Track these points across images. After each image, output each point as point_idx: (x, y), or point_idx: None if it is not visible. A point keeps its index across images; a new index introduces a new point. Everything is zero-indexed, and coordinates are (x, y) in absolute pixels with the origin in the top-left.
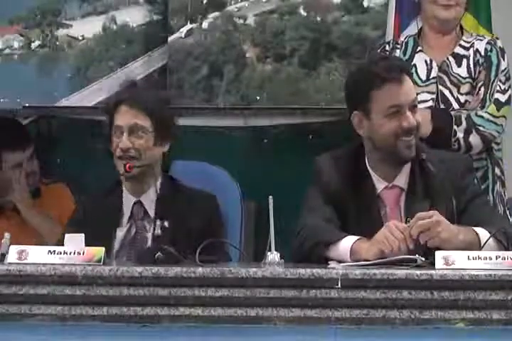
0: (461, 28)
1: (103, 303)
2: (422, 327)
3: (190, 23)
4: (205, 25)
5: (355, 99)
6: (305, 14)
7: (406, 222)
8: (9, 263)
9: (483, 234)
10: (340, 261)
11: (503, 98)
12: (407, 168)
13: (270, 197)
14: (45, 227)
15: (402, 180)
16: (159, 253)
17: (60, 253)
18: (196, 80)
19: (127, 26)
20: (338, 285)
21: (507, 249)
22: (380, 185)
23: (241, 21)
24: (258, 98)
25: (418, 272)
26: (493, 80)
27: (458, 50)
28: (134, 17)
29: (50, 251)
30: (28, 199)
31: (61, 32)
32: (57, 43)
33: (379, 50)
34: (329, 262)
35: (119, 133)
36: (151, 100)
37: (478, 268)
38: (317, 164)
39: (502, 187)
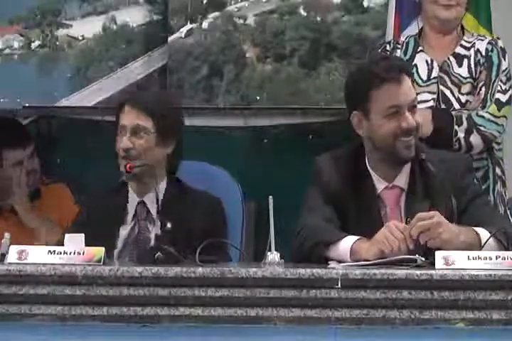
0: (462, 28)
1: (103, 303)
2: (422, 327)
3: (190, 23)
4: (205, 25)
5: (354, 99)
6: (305, 14)
7: (406, 223)
8: (9, 263)
9: (483, 234)
10: (340, 261)
11: (503, 98)
12: (407, 168)
13: (270, 197)
14: (44, 230)
15: (402, 180)
16: (159, 253)
17: (60, 253)
18: (196, 80)
19: (127, 26)
20: (338, 285)
21: (507, 249)
22: (380, 185)
23: (241, 21)
24: (258, 98)
25: (418, 272)
26: (494, 80)
27: (459, 50)
28: (134, 17)
29: (50, 251)
30: (27, 203)
31: (61, 32)
32: (57, 43)
33: (380, 50)
34: (329, 262)
35: (124, 132)
36: (153, 101)
37: (478, 268)
38: (317, 164)
39: (503, 187)
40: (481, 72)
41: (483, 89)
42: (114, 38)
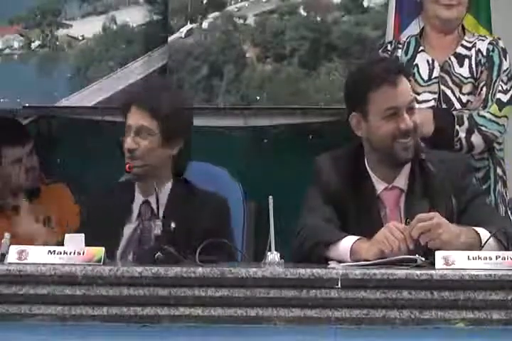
0: (463, 28)
1: (103, 303)
2: (422, 327)
3: (190, 23)
4: (205, 25)
5: (353, 101)
6: (305, 14)
7: (406, 223)
8: (9, 263)
9: (484, 234)
10: (340, 261)
11: (505, 98)
12: (406, 169)
13: (270, 197)
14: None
15: (401, 181)
16: (159, 253)
17: (60, 253)
18: (196, 80)
19: (127, 26)
20: (338, 285)
21: (507, 249)
22: (379, 185)
23: (241, 21)
24: (258, 98)
25: (418, 272)
26: (495, 80)
27: (460, 50)
28: (134, 17)
29: (50, 251)
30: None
31: (61, 32)
32: (57, 43)
33: (381, 50)
34: (329, 262)
35: (129, 133)
36: (159, 102)
37: (478, 268)
38: (317, 164)
39: (504, 187)
40: (482, 72)
41: (484, 89)
42: (114, 38)
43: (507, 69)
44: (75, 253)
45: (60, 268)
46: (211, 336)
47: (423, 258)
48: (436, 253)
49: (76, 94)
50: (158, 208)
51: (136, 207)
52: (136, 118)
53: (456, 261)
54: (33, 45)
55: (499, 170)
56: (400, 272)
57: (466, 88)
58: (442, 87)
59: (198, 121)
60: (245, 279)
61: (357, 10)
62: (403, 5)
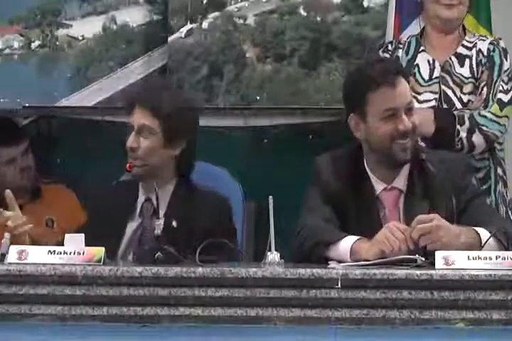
0: (464, 28)
1: (103, 303)
2: (422, 327)
3: (190, 23)
4: (205, 25)
5: (351, 102)
6: (305, 14)
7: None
8: (9, 263)
9: (484, 234)
10: (340, 261)
11: (505, 98)
12: (405, 169)
13: (270, 197)
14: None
15: (400, 181)
16: (159, 253)
17: (60, 253)
18: (196, 80)
19: (127, 26)
20: (338, 285)
21: (507, 249)
22: (379, 186)
23: (241, 21)
24: (258, 98)
25: (418, 272)
26: (496, 80)
27: (460, 50)
28: (134, 17)
29: (50, 251)
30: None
31: (61, 32)
32: (57, 43)
33: (381, 50)
34: (329, 262)
35: (131, 132)
36: (161, 101)
37: (478, 268)
38: (317, 164)
39: (504, 187)
40: (482, 72)
41: (485, 89)
42: (114, 38)
43: (508, 69)
44: (75, 253)
45: (60, 268)
46: (211, 336)
47: (423, 258)
48: (436, 253)
49: (76, 94)
50: (158, 207)
51: (138, 205)
52: (138, 117)
53: (456, 261)
54: (33, 45)
55: (500, 170)
56: (400, 272)
57: (467, 88)
58: (443, 86)
59: None
60: (245, 279)
61: (357, 10)
62: (403, 5)
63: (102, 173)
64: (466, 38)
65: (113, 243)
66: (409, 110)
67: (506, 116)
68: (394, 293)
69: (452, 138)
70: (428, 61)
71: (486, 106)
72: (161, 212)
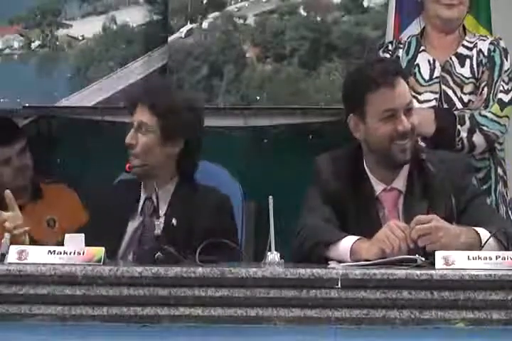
0: (464, 28)
1: (103, 303)
2: (422, 327)
3: (190, 23)
4: (205, 25)
5: (351, 102)
6: (305, 14)
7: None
8: (9, 263)
9: (484, 234)
10: (340, 261)
11: (506, 98)
12: (405, 170)
13: (270, 197)
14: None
15: (400, 182)
16: (159, 253)
17: (60, 253)
18: (196, 80)
19: (127, 26)
20: (338, 285)
21: (507, 249)
22: (378, 187)
23: (241, 21)
24: (258, 98)
25: (418, 272)
26: (497, 80)
27: (461, 50)
28: (134, 17)
29: (50, 251)
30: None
31: (61, 32)
32: (57, 43)
33: (382, 50)
34: (329, 262)
35: (131, 128)
36: (161, 99)
37: (478, 268)
38: (317, 164)
39: (504, 187)
40: (483, 72)
41: (486, 89)
42: (114, 38)
43: (508, 69)
44: (75, 253)
45: (60, 268)
46: (211, 336)
47: (423, 258)
48: (436, 253)
49: (76, 94)
50: (158, 207)
51: (140, 204)
52: (138, 114)
53: (456, 261)
54: (33, 45)
55: (500, 171)
56: (400, 272)
57: (468, 88)
58: (443, 86)
59: None
60: (245, 279)
61: (357, 10)
62: (403, 5)
63: (102, 173)
64: (467, 38)
65: (115, 242)
66: (408, 111)
67: (507, 116)
68: (394, 293)
69: (453, 138)
70: (428, 61)
71: (486, 106)
72: (162, 212)
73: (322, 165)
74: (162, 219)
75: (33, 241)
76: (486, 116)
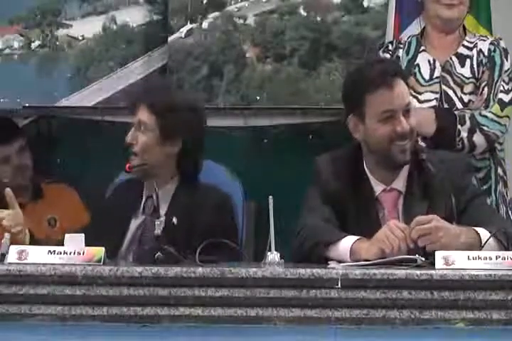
0: (464, 28)
1: (103, 303)
2: (422, 327)
3: (190, 23)
4: (205, 25)
5: (350, 102)
6: (305, 14)
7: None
8: (9, 263)
9: (484, 234)
10: (340, 261)
11: (506, 98)
12: (405, 171)
13: (270, 197)
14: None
15: (400, 183)
16: (159, 253)
17: (60, 253)
18: (196, 80)
19: (127, 26)
20: (338, 285)
21: (507, 249)
22: (378, 187)
23: (241, 21)
24: (258, 98)
25: (418, 272)
26: (497, 80)
27: (461, 50)
28: (134, 17)
29: (50, 251)
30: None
31: (61, 32)
32: (57, 43)
33: (382, 50)
34: (329, 262)
35: (131, 128)
36: (160, 99)
37: (478, 268)
38: (317, 164)
39: (504, 187)
40: (483, 72)
41: (486, 89)
42: (114, 38)
43: (508, 69)
44: (75, 253)
45: (60, 268)
46: (211, 336)
47: (423, 258)
48: (436, 253)
49: (76, 94)
50: (158, 206)
51: (142, 203)
52: (138, 114)
53: (456, 261)
54: (33, 45)
55: (500, 171)
56: (400, 272)
57: (468, 88)
58: (444, 86)
59: None
60: (245, 279)
61: (357, 10)
62: (403, 5)
63: (102, 173)
64: (467, 38)
65: (117, 240)
66: (407, 112)
67: (507, 116)
68: (394, 293)
69: (453, 138)
70: (429, 61)
71: (486, 106)
72: (162, 211)
73: (322, 165)
74: (163, 219)
75: (34, 240)
76: (486, 116)
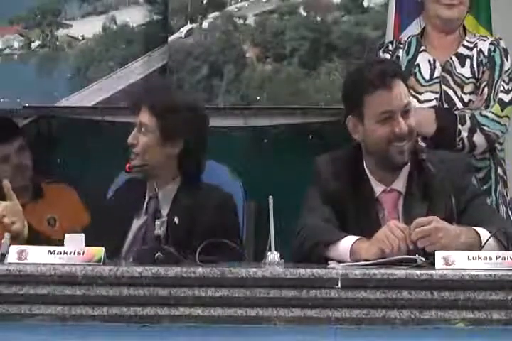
0: (464, 28)
1: (103, 303)
2: (422, 327)
3: (190, 23)
4: (205, 25)
5: (349, 103)
6: (305, 14)
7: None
8: (9, 263)
9: (484, 234)
10: (340, 261)
11: (506, 98)
12: (405, 171)
13: (270, 197)
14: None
15: (400, 184)
16: (159, 253)
17: (60, 253)
18: (196, 80)
19: (127, 26)
20: (338, 285)
21: (507, 249)
22: (378, 188)
23: (241, 21)
24: (258, 98)
25: (418, 272)
26: (497, 80)
27: (461, 50)
28: (134, 17)
29: (50, 251)
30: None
31: (61, 32)
32: (57, 43)
33: (382, 50)
34: (329, 262)
35: (133, 129)
36: (161, 100)
37: (478, 268)
38: (317, 164)
39: (504, 187)
40: (483, 72)
41: (486, 89)
42: (114, 38)
43: (508, 69)
44: (75, 253)
45: (60, 268)
46: (211, 336)
47: (423, 258)
48: (436, 253)
49: (76, 94)
50: (159, 207)
51: (145, 203)
52: (140, 115)
53: (456, 261)
54: (33, 45)
55: (500, 171)
56: (400, 272)
57: (468, 88)
58: (444, 86)
59: None
60: (245, 279)
61: (357, 10)
62: (403, 5)
63: (102, 173)
64: (467, 38)
65: (118, 240)
66: (406, 113)
67: (507, 116)
68: (394, 293)
69: (453, 137)
70: (429, 61)
71: (487, 106)
72: (164, 212)
73: (322, 165)
74: (163, 219)
75: (35, 234)
76: (486, 116)
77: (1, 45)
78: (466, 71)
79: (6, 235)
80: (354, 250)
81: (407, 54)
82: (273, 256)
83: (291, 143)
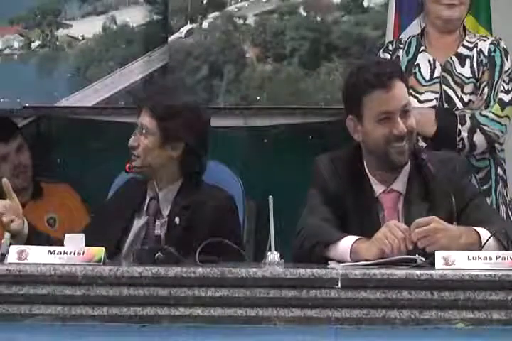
0: (464, 28)
1: (103, 303)
2: (422, 327)
3: (190, 23)
4: (205, 25)
5: (349, 103)
6: (305, 14)
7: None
8: (9, 263)
9: (484, 234)
10: (340, 261)
11: (506, 98)
12: (405, 171)
13: (270, 197)
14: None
15: (400, 184)
16: (159, 253)
17: (60, 253)
18: (196, 80)
19: (127, 26)
20: (338, 285)
21: (507, 249)
22: (378, 188)
23: (241, 21)
24: (258, 98)
25: (418, 272)
26: (497, 81)
27: (461, 50)
28: (134, 17)
29: (50, 251)
30: None
31: (61, 32)
32: (57, 43)
33: (382, 50)
34: (329, 262)
35: (135, 131)
36: (162, 103)
37: (478, 268)
38: (316, 164)
39: (504, 187)
40: (483, 72)
41: (486, 89)
42: (114, 38)
43: (508, 69)
44: (75, 253)
45: (60, 268)
46: (211, 336)
47: (423, 258)
48: (436, 253)
49: (76, 94)
50: (159, 208)
51: (146, 203)
52: (141, 117)
53: (456, 261)
54: (33, 45)
55: (500, 171)
56: (400, 272)
57: (468, 88)
58: (444, 86)
59: None
60: (245, 279)
61: (357, 10)
62: (403, 5)
63: (102, 173)
64: (467, 38)
65: (119, 240)
66: (404, 113)
67: (507, 116)
68: (394, 293)
69: (453, 137)
70: (429, 61)
71: (487, 106)
72: (165, 212)
73: (322, 165)
74: (164, 220)
75: (36, 232)
76: (486, 116)
77: (1, 45)
78: (466, 71)
79: (6, 235)
80: (354, 250)
81: (407, 54)
82: (273, 256)
83: (291, 143)
